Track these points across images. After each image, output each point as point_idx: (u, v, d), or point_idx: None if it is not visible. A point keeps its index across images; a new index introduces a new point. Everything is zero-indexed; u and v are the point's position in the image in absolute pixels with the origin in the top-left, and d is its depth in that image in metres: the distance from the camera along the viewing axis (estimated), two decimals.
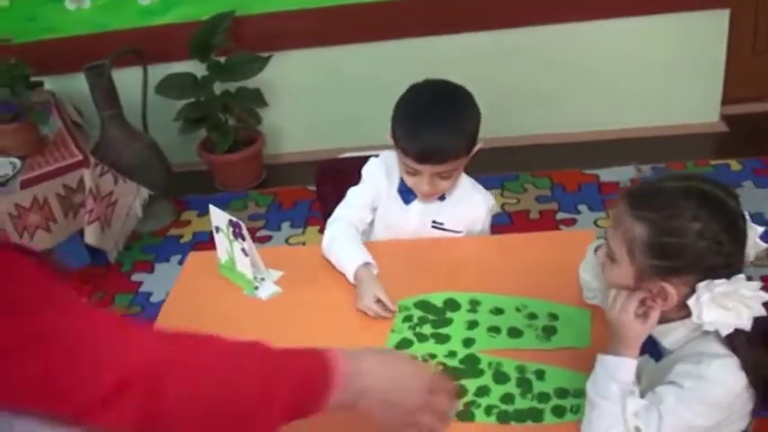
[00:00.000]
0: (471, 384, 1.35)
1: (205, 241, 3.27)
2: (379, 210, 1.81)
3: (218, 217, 1.66)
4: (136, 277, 3.08)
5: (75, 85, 3.41)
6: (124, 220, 3.09)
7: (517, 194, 3.26)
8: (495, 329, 1.47)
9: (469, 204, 1.80)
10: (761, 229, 1.14)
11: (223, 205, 3.37)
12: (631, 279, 1.14)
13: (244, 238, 1.59)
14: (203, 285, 1.71)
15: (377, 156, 1.86)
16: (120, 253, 3.13)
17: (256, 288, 1.64)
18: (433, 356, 1.44)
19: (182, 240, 3.30)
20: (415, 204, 1.77)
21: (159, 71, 3.35)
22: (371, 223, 1.83)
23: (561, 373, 1.34)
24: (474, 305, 1.54)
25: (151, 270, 3.12)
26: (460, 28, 3.35)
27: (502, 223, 3.04)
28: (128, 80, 3.31)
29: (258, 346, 0.94)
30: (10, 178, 2.79)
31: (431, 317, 1.53)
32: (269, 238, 3.20)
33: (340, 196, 1.86)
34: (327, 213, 1.85)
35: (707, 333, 1.12)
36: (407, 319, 1.53)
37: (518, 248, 1.76)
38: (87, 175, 2.89)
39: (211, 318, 1.57)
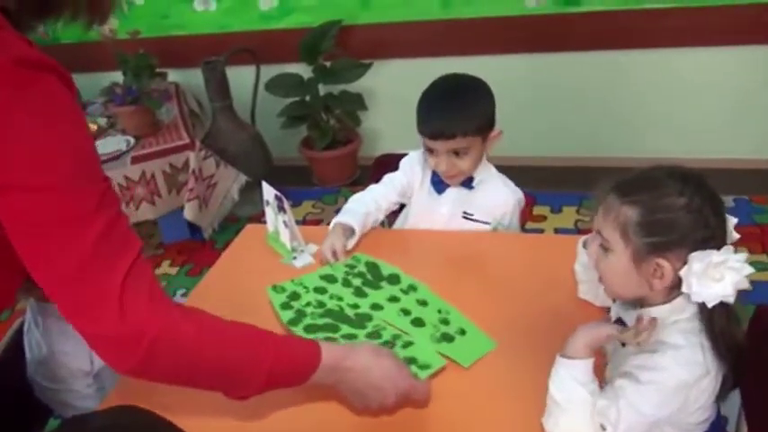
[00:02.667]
0: (347, 330, 1.50)
1: None
2: (412, 199, 1.97)
3: (267, 191, 1.86)
4: None
5: (196, 79, 3.75)
6: (221, 202, 3.38)
7: (593, 212, 3.29)
8: (406, 312, 1.54)
9: (497, 196, 1.89)
10: (735, 220, 1.20)
11: (316, 198, 3.68)
12: (627, 262, 1.19)
13: (285, 212, 1.78)
14: (252, 252, 1.91)
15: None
16: (215, 231, 3.43)
17: (294, 258, 1.82)
18: (339, 299, 1.59)
19: None
20: (447, 194, 1.90)
21: (271, 70, 3.63)
22: (404, 214, 2.01)
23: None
24: (410, 289, 1.61)
25: None
26: (557, 47, 3.44)
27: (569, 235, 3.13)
28: (242, 77, 3.63)
29: (260, 332, 1.19)
30: (122, 153, 3.14)
31: (368, 276, 1.66)
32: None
33: None
34: None
35: (675, 322, 1.18)
36: (350, 266, 1.69)
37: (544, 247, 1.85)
38: (192, 157, 3.19)
39: (251, 277, 1.77)
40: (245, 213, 3.58)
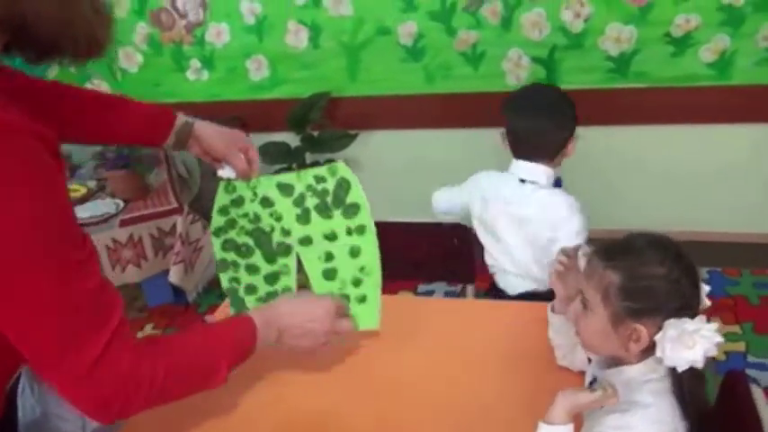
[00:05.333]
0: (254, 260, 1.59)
1: None
2: None
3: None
4: (209, 319, 3.38)
5: None
6: (206, 266, 3.42)
7: None
8: (329, 257, 1.58)
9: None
10: (708, 288, 1.26)
11: None
12: (606, 323, 1.24)
13: None
14: None
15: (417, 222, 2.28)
16: (200, 295, 3.46)
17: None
18: (278, 219, 1.58)
19: None
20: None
21: (259, 138, 3.73)
22: None
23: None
24: (357, 230, 1.59)
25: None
26: None
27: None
28: None
29: (206, 330, 1.35)
30: (111, 216, 3.20)
31: (328, 198, 1.57)
32: None
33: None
34: None
35: (647, 381, 1.23)
36: (320, 179, 1.58)
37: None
38: (180, 221, 3.25)
39: None
40: None
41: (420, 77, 3.59)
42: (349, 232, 1.57)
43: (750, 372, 2.60)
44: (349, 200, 1.57)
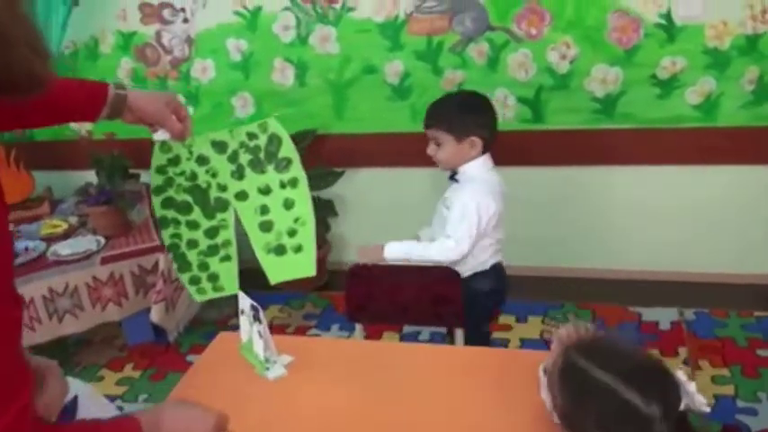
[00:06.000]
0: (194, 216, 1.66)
1: None
2: None
3: (243, 301, 1.88)
4: (191, 359, 3.30)
5: None
6: (188, 305, 3.37)
7: (558, 323, 3.36)
8: (264, 210, 1.66)
9: (459, 192, 2.32)
10: (693, 384, 1.21)
11: (282, 303, 3.68)
12: None
13: (261, 322, 1.80)
14: (224, 362, 1.92)
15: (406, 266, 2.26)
16: (181, 335, 3.40)
17: (267, 369, 1.83)
18: (213, 175, 1.64)
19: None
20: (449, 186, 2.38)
21: None
22: None
23: None
24: (290, 183, 1.66)
25: None
26: (522, 162, 3.57)
27: (540, 349, 3.16)
28: None
29: (97, 426, 1.24)
30: (92, 253, 3.14)
31: (261, 153, 1.64)
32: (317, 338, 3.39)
33: (367, 299, 2.09)
34: (353, 313, 2.07)
35: None
36: (252, 135, 1.65)
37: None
38: (162, 259, 3.19)
39: (223, 390, 1.77)
40: (212, 317, 3.56)
41: (406, 115, 3.59)
42: (282, 185, 1.64)
43: (740, 417, 2.57)
44: (281, 154, 1.64)
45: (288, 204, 1.64)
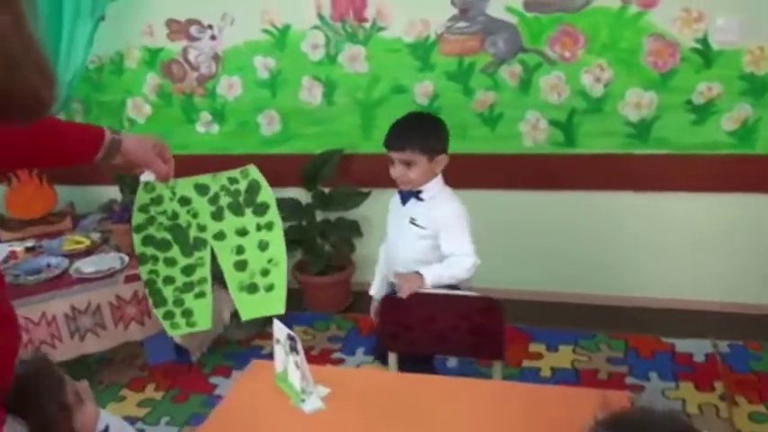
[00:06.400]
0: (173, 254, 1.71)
1: None
2: (389, 217, 2.57)
3: (279, 330, 1.82)
4: (213, 380, 3.26)
5: None
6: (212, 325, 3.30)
7: (590, 353, 3.29)
8: (240, 250, 1.73)
9: (436, 209, 2.34)
10: None
11: (306, 324, 3.63)
12: None
13: (297, 352, 1.75)
14: (259, 391, 1.86)
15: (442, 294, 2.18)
16: (204, 355, 3.34)
17: (303, 401, 1.77)
18: (194, 216, 1.71)
19: (263, 351, 3.48)
20: (407, 206, 2.40)
21: None
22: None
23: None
24: (266, 226, 1.74)
25: (229, 375, 3.28)
26: (553, 186, 3.51)
27: (569, 379, 3.09)
28: None
29: None
30: (116, 272, 3.09)
31: (240, 198, 1.74)
32: (342, 361, 3.33)
33: (402, 327, 2.03)
34: (386, 342, 2.00)
35: None
36: (232, 180, 1.77)
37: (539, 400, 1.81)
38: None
39: (258, 421, 1.72)
40: (235, 337, 3.50)
41: None
42: (259, 228, 1.73)
43: None
44: (259, 199, 1.75)
45: (263, 246, 1.73)
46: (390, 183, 3.62)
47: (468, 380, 1.89)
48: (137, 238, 1.72)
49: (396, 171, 2.35)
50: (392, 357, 2.24)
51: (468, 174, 3.53)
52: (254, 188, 1.75)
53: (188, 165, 3.75)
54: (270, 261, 1.73)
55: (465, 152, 3.50)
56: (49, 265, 3.21)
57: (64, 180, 3.90)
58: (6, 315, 1.00)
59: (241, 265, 1.73)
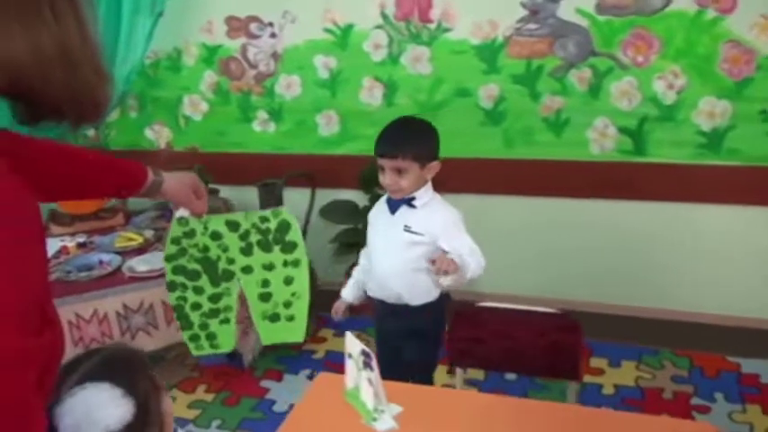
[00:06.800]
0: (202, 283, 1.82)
1: (337, 362, 3.36)
2: (373, 226, 2.44)
3: (352, 344, 1.74)
4: (265, 384, 3.20)
5: (246, 196, 3.71)
6: None
7: (654, 370, 3.16)
8: (265, 283, 1.82)
9: (432, 215, 2.24)
10: None
11: (359, 329, 3.54)
12: None
13: (372, 369, 1.66)
14: (327, 406, 1.79)
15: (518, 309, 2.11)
16: (255, 359, 3.28)
17: (375, 419, 1.69)
18: (224, 250, 1.80)
19: (314, 356, 3.42)
20: (397, 214, 2.27)
21: (325, 195, 3.58)
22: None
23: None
24: (293, 263, 1.82)
25: (280, 379, 3.23)
26: (620, 195, 3.39)
27: (634, 397, 2.97)
28: (295, 198, 3.58)
29: None
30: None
31: (270, 236, 1.80)
32: None
33: (471, 341, 1.94)
34: (456, 355, 1.91)
35: None
36: (264, 219, 1.81)
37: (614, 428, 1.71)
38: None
39: None
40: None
41: (498, 142, 3.44)
42: (285, 264, 1.82)
43: None
44: (288, 238, 1.82)
45: (287, 281, 1.82)
46: (454, 188, 3.55)
47: (547, 403, 1.79)
48: (168, 267, 1.83)
49: (386, 178, 2.23)
50: (460, 374, 2.15)
51: (533, 180, 3.44)
52: (284, 227, 1.83)
53: (244, 163, 3.78)
54: (293, 294, 1.83)
55: (529, 158, 3.42)
56: (101, 262, 3.16)
57: None
58: (56, 320, 0.95)
59: (265, 297, 1.83)
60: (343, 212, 3.56)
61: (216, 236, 1.81)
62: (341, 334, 3.57)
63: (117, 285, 3.01)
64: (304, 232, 3.62)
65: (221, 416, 3.00)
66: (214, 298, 1.84)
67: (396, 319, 2.31)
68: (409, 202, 2.26)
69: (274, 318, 1.84)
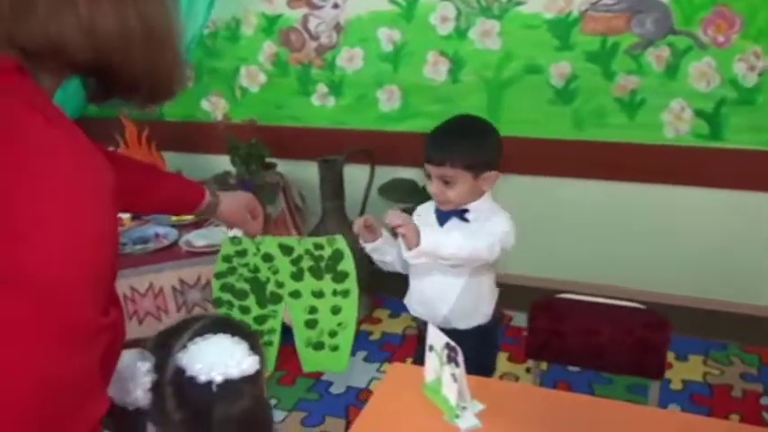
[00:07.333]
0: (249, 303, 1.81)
1: (393, 343, 3.30)
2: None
3: (436, 337, 1.65)
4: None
5: (304, 172, 3.64)
6: None
7: (722, 366, 3.04)
8: (312, 310, 1.79)
9: (492, 225, 1.90)
10: None
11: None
12: None
13: (458, 365, 1.57)
14: (403, 400, 1.70)
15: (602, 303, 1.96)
16: None
17: (457, 416, 1.60)
18: (275, 272, 1.79)
19: (371, 338, 3.35)
20: (447, 227, 1.94)
21: (385, 173, 3.48)
22: None
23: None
24: (342, 293, 1.78)
25: None
26: (694, 182, 3.25)
27: (702, 394, 2.86)
28: (355, 174, 3.49)
29: None
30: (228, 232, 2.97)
31: (323, 263, 1.77)
32: None
33: (550, 334, 1.88)
34: (534, 350, 1.82)
35: None
36: (318, 246, 1.77)
37: None
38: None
39: None
40: None
41: (568, 122, 3.30)
42: (335, 293, 1.79)
43: None
44: (340, 268, 1.79)
45: (335, 310, 1.79)
46: (519, 169, 3.44)
47: (635, 406, 1.68)
48: (216, 284, 1.83)
49: (433, 187, 1.94)
50: (541, 367, 2.06)
51: (603, 163, 3.30)
52: (337, 257, 1.79)
53: (302, 137, 3.69)
54: (339, 324, 1.80)
55: (600, 140, 3.28)
56: (157, 235, 3.11)
57: (173, 147, 3.81)
58: (116, 295, 0.94)
59: (311, 324, 1.81)
60: (402, 191, 3.46)
61: (267, 258, 1.81)
62: (396, 315, 3.51)
63: (174, 259, 2.96)
64: (362, 211, 3.54)
65: (277, 395, 2.95)
66: (259, 319, 1.83)
67: None
68: (461, 214, 1.94)
69: (318, 346, 1.82)
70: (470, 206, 1.93)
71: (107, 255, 0.84)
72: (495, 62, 3.32)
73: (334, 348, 1.80)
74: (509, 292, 2.41)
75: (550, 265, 3.54)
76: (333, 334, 1.79)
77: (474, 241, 1.83)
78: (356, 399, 2.91)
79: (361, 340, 3.31)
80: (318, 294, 1.80)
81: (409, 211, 3.46)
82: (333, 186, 3.34)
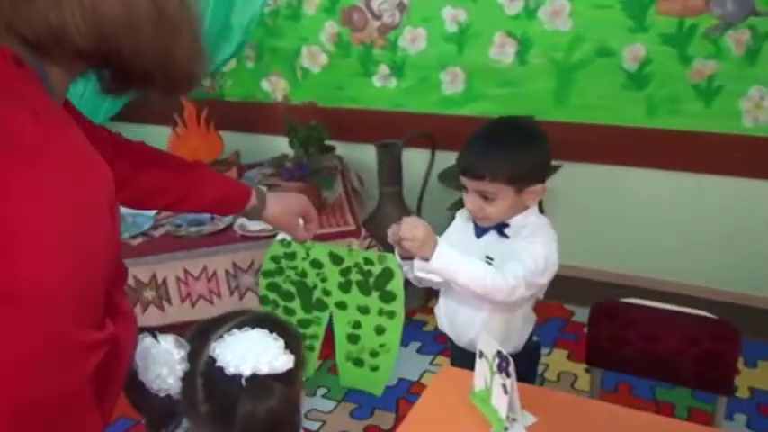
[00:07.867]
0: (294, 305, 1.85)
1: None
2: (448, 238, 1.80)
3: (486, 343, 1.55)
4: None
5: (362, 155, 3.56)
6: None
7: None
8: (356, 325, 1.78)
9: (527, 249, 1.69)
10: None
11: None
12: None
13: (509, 375, 1.47)
14: (451, 407, 1.62)
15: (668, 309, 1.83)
16: None
17: (506, 429, 1.51)
18: (323, 280, 1.79)
19: (425, 328, 3.28)
20: (483, 239, 1.75)
21: (445, 158, 3.37)
22: None
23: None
24: (388, 314, 1.75)
25: None
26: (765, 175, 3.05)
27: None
28: (414, 159, 3.40)
29: None
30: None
31: (372, 281, 1.75)
32: None
33: (613, 341, 1.82)
34: (595, 355, 1.80)
35: None
36: (369, 261, 1.76)
37: None
38: (356, 245, 2.94)
39: None
40: None
41: (641, 108, 3.12)
42: (380, 313, 1.77)
43: None
44: (389, 287, 1.77)
45: (379, 330, 1.78)
46: (588, 157, 3.29)
47: (699, 427, 1.56)
48: (263, 282, 1.87)
49: (469, 202, 1.72)
50: (597, 374, 1.94)
51: (676, 152, 3.13)
52: (387, 275, 1.77)
53: (361, 119, 3.61)
54: (382, 346, 1.79)
55: (673, 128, 3.10)
56: (212, 218, 3.07)
57: (231, 126, 3.77)
58: (127, 311, 0.91)
59: (354, 339, 1.81)
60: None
61: (316, 264, 1.82)
62: None
63: (228, 243, 2.93)
64: (420, 197, 3.45)
65: (327, 384, 2.90)
66: (304, 323, 1.84)
67: (470, 368, 1.62)
68: (501, 228, 1.72)
69: (358, 362, 1.81)
70: (512, 221, 1.71)
71: (98, 266, 0.78)
72: (564, 44, 3.16)
73: (374, 368, 1.80)
74: (571, 286, 2.29)
75: (614, 258, 3.38)
76: (374, 354, 1.79)
77: (494, 280, 1.62)
78: (407, 392, 2.83)
79: (414, 331, 3.23)
80: (364, 310, 1.79)
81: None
82: (391, 171, 3.26)
